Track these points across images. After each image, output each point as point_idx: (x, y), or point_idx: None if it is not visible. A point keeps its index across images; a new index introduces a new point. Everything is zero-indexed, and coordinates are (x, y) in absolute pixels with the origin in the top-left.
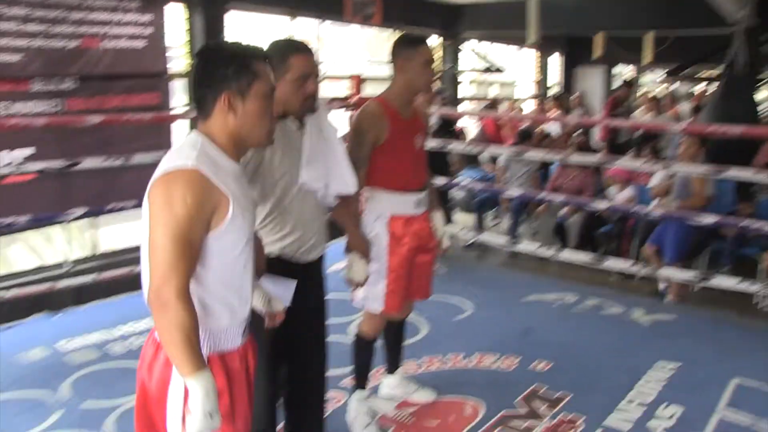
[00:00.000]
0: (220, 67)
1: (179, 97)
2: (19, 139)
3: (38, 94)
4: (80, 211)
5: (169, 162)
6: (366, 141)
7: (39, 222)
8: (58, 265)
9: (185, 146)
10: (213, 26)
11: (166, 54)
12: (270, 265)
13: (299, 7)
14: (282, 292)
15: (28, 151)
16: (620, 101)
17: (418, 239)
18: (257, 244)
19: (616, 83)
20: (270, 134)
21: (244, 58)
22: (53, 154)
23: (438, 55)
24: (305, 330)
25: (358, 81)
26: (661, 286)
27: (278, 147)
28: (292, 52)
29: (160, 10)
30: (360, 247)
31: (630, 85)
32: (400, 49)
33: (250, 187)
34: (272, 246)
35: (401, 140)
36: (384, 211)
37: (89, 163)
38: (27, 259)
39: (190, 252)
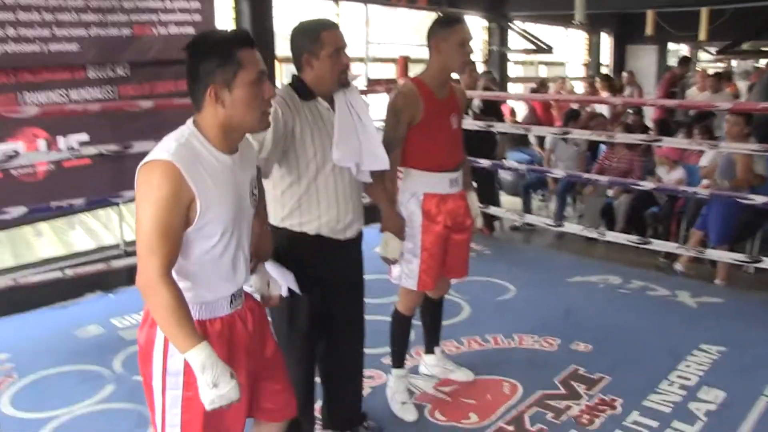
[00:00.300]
0: (203, 60)
1: None
2: (75, 125)
3: (93, 81)
4: (133, 193)
5: (152, 152)
6: (401, 121)
7: (94, 204)
8: (114, 247)
9: (171, 138)
10: (259, 12)
11: None
12: (309, 243)
13: None
14: (282, 280)
15: (83, 136)
16: (677, 79)
17: (452, 217)
18: (261, 228)
19: (670, 61)
20: (263, 117)
21: (226, 49)
22: (107, 138)
23: (483, 36)
24: (342, 306)
25: (405, 63)
26: (678, 266)
27: (308, 127)
28: (323, 29)
29: None
30: (394, 225)
31: (687, 62)
32: (435, 29)
33: (276, 169)
34: (310, 224)
35: (436, 120)
36: (418, 189)
37: (141, 146)
38: (86, 243)
39: (170, 236)
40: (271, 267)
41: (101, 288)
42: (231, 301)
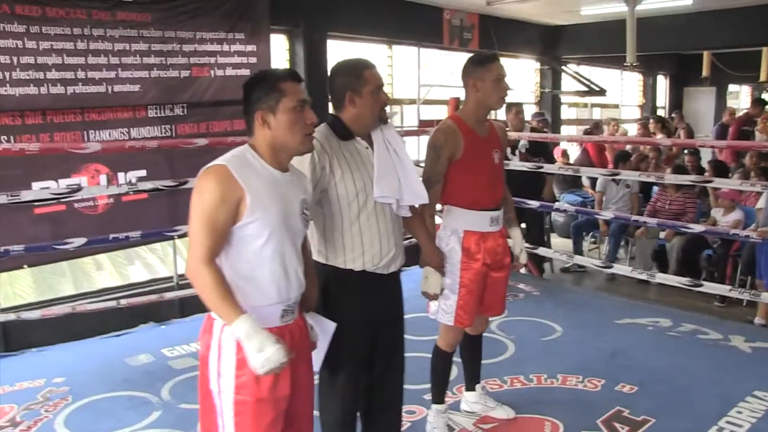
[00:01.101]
0: (253, 93)
1: None
2: (134, 162)
3: (152, 120)
4: (187, 228)
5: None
6: (441, 157)
7: (149, 237)
8: (167, 279)
9: (229, 153)
10: (313, 55)
11: None
12: (354, 279)
13: (397, 35)
14: (320, 331)
15: (141, 172)
16: (750, 120)
17: (491, 255)
18: (310, 274)
19: (731, 103)
20: (306, 140)
21: (270, 81)
22: (163, 175)
23: (535, 78)
24: (384, 340)
25: (456, 104)
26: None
27: (348, 167)
28: (364, 68)
29: (264, 40)
30: (434, 260)
31: (761, 104)
32: (470, 68)
33: (318, 209)
34: (355, 261)
35: (477, 157)
36: (458, 226)
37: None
38: (144, 277)
39: (215, 229)
40: (312, 317)
41: (153, 319)
42: (282, 315)
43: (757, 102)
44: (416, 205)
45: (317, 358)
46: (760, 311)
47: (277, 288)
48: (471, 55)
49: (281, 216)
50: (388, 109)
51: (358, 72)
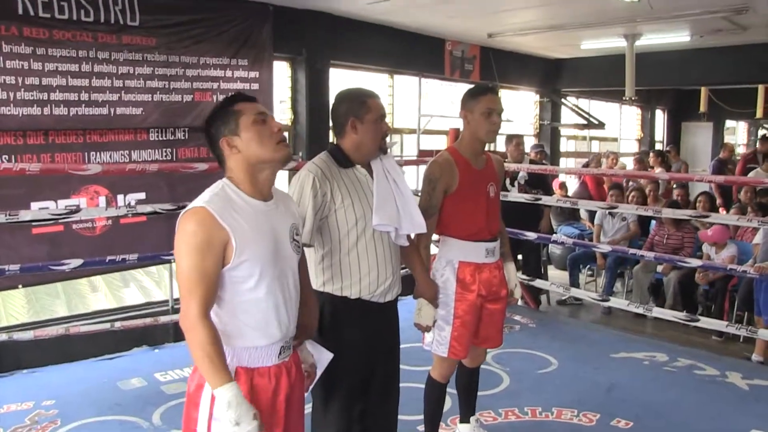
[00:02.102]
0: (212, 125)
1: None
2: (133, 184)
3: (153, 143)
4: None
5: (191, 203)
6: (437, 189)
7: (146, 260)
8: (163, 302)
9: (207, 190)
10: (315, 83)
11: (272, 107)
12: (350, 307)
13: (399, 65)
14: (318, 359)
15: (140, 195)
16: (755, 157)
17: (487, 287)
18: (310, 302)
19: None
20: (279, 147)
21: (224, 107)
22: (162, 198)
23: (535, 110)
24: (379, 368)
25: (456, 135)
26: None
27: (348, 194)
28: (368, 97)
29: (267, 67)
30: (428, 291)
31: None
32: (464, 99)
33: (317, 235)
34: (351, 288)
35: (473, 189)
36: (454, 257)
37: None
38: (138, 300)
39: (206, 279)
40: (311, 345)
41: (147, 342)
42: (280, 353)
43: (765, 140)
44: (412, 236)
45: (310, 386)
46: (758, 348)
47: (274, 327)
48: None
49: (271, 251)
50: (387, 139)
51: (362, 100)
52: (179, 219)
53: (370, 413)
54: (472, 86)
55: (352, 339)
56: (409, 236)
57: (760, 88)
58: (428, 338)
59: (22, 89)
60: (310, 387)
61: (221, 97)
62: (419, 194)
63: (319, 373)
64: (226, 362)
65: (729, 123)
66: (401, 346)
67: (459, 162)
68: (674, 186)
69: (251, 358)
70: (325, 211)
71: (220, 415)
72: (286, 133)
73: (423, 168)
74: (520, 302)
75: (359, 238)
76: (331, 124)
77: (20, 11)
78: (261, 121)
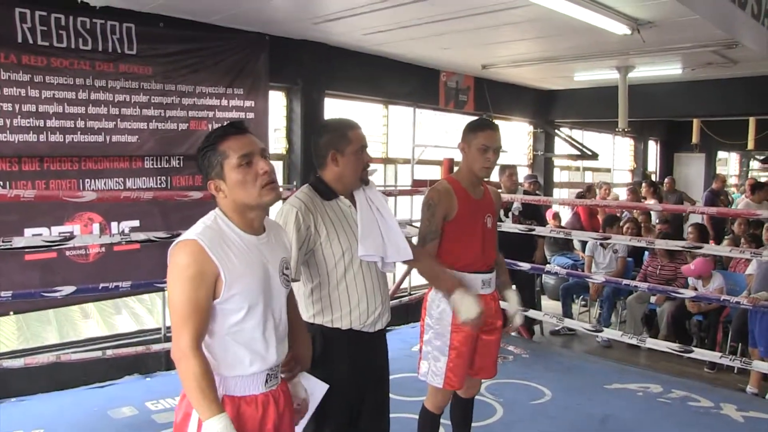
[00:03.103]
0: (201, 161)
1: (277, 176)
2: (128, 212)
3: (148, 171)
4: None
5: (183, 234)
6: (436, 215)
7: (139, 288)
8: (155, 330)
9: (200, 221)
10: (310, 112)
11: (267, 136)
12: (341, 338)
13: (394, 96)
14: (312, 391)
15: (134, 222)
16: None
17: (483, 318)
18: (301, 335)
19: (720, 169)
20: (264, 191)
21: (208, 148)
22: (157, 226)
23: (528, 141)
24: (369, 398)
25: (450, 165)
26: (750, 389)
27: (333, 227)
28: (349, 128)
29: (263, 96)
30: (455, 283)
31: None
32: (464, 132)
33: (303, 268)
34: (342, 320)
35: (470, 219)
36: None
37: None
38: (131, 327)
39: (198, 310)
40: (305, 378)
41: (139, 371)
42: (266, 381)
43: None
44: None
45: (303, 420)
46: (753, 380)
47: (260, 356)
48: (472, 118)
49: (260, 285)
50: (369, 169)
51: (343, 132)
52: (171, 250)
53: None
54: (473, 119)
55: (342, 371)
56: (413, 248)
57: (751, 120)
58: (423, 368)
59: (19, 116)
60: (302, 422)
61: (216, 126)
62: (408, 225)
63: (313, 405)
64: (217, 393)
65: (721, 154)
66: (394, 376)
67: (458, 191)
68: (657, 222)
69: (237, 386)
70: (310, 244)
71: None
72: (280, 165)
73: (417, 198)
74: (513, 333)
75: (347, 269)
76: (313, 155)
77: (19, 39)
78: (246, 164)
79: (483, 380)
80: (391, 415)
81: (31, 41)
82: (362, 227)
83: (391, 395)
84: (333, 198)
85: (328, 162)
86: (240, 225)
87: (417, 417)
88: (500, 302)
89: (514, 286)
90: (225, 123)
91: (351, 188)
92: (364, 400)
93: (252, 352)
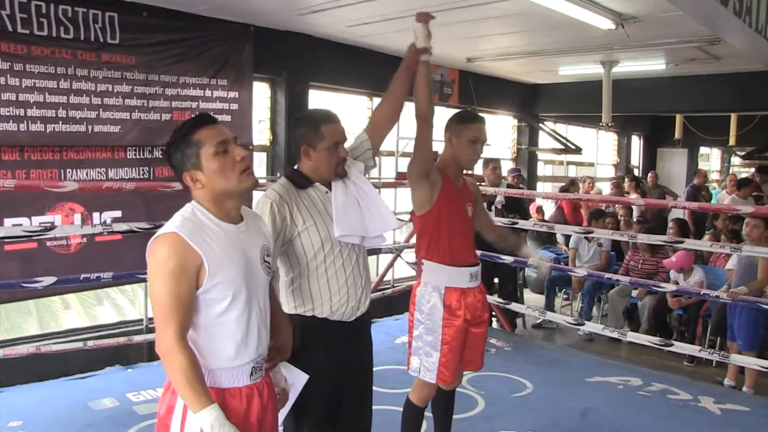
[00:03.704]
0: (173, 155)
1: (261, 168)
2: (110, 202)
3: (130, 162)
4: None
5: (161, 228)
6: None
7: (121, 279)
8: (137, 321)
9: (177, 214)
10: (294, 103)
11: (251, 128)
12: (319, 327)
13: (378, 87)
14: (293, 382)
15: (116, 213)
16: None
17: (471, 311)
18: (282, 324)
19: (702, 164)
20: (243, 177)
21: (183, 138)
22: (139, 216)
23: (512, 134)
24: (351, 389)
25: (435, 158)
26: (727, 381)
27: (311, 216)
28: (323, 123)
29: (247, 87)
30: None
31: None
32: (451, 122)
33: (282, 259)
34: (321, 308)
35: (452, 204)
36: (440, 283)
37: None
38: (112, 318)
39: (182, 303)
40: (285, 368)
41: (120, 362)
42: (251, 373)
43: (762, 169)
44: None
45: (284, 410)
46: (730, 372)
47: (245, 347)
48: (457, 110)
49: (242, 273)
50: (346, 165)
51: (317, 126)
52: (150, 244)
53: None
54: (460, 111)
55: (322, 361)
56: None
57: (733, 116)
58: (414, 364)
59: None
60: (283, 411)
61: None
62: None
63: (294, 395)
64: (206, 384)
65: (703, 150)
66: (377, 368)
67: (442, 175)
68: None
69: (222, 378)
70: (287, 235)
71: None
72: (263, 157)
73: (402, 191)
74: (495, 325)
75: (326, 258)
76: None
77: None
78: (222, 152)
79: (465, 372)
80: (373, 407)
81: (10, 29)
82: (336, 208)
83: (373, 387)
84: (308, 186)
85: (302, 156)
86: (217, 215)
87: (400, 409)
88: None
89: (497, 279)
90: (192, 116)
91: (327, 179)
92: (345, 391)
93: (236, 344)
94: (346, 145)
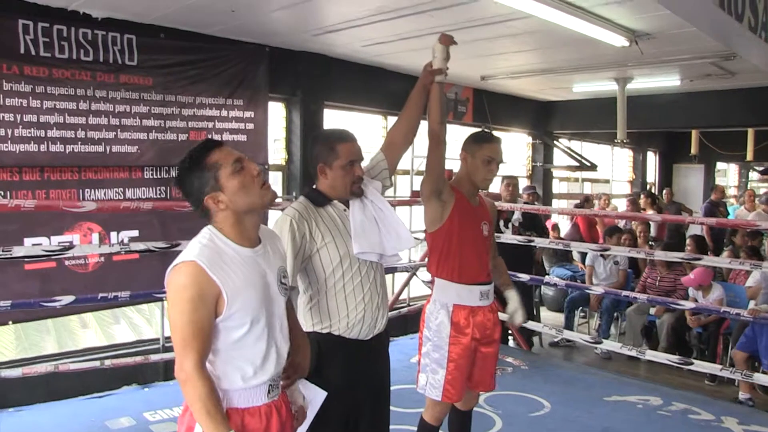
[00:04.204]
0: (188, 181)
1: (276, 187)
2: (127, 222)
3: (147, 181)
4: None
5: (180, 256)
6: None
7: (138, 298)
8: (154, 341)
9: (195, 240)
10: (309, 122)
11: (267, 147)
12: (337, 345)
13: (392, 106)
14: (311, 399)
15: (133, 232)
16: None
17: (481, 330)
18: (301, 342)
19: (719, 180)
20: (263, 192)
21: (199, 162)
22: (156, 236)
23: (527, 152)
24: (368, 407)
25: (449, 176)
26: (742, 395)
27: (330, 233)
28: (339, 141)
29: (262, 107)
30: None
31: None
32: (468, 142)
33: (301, 276)
34: (338, 324)
35: (466, 223)
36: (448, 300)
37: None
38: (129, 337)
39: (201, 332)
40: (303, 385)
41: (137, 381)
42: (269, 391)
43: None
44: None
45: (302, 428)
46: (743, 387)
47: (263, 368)
48: (471, 128)
49: (260, 298)
50: (363, 184)
51: (332, 145)
52: (169, 272)
53: None
54: (477, 131)
55: (338, 379)
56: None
57: (750, 131)
58: (421, 381)
59: (20, 126)
60: (301, 429)
61: (216, 137)
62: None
63: (312, 412)
64: (224, 412)
65: (720, 165)
66: (393, 387)
67: (456, 193)
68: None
69: (240, 398)
70: (306, 252)
71: None
72: (279, 176)
73: (416, 208)
74: (512, 344)
75: (344, 275)
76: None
77: (22, 50)
78: (240, 169)
79: (481, 393)
80: (390, 427)
81: (33, 52)
82: (355, 226)
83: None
84: (326, 204)
85: (318, 174)
86: (236, 239)
87: (414, 428)
88: (500, 309)
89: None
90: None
91: (344, 197)
92: (363, 410)
93: (254, 365)
94: (363, 164)
